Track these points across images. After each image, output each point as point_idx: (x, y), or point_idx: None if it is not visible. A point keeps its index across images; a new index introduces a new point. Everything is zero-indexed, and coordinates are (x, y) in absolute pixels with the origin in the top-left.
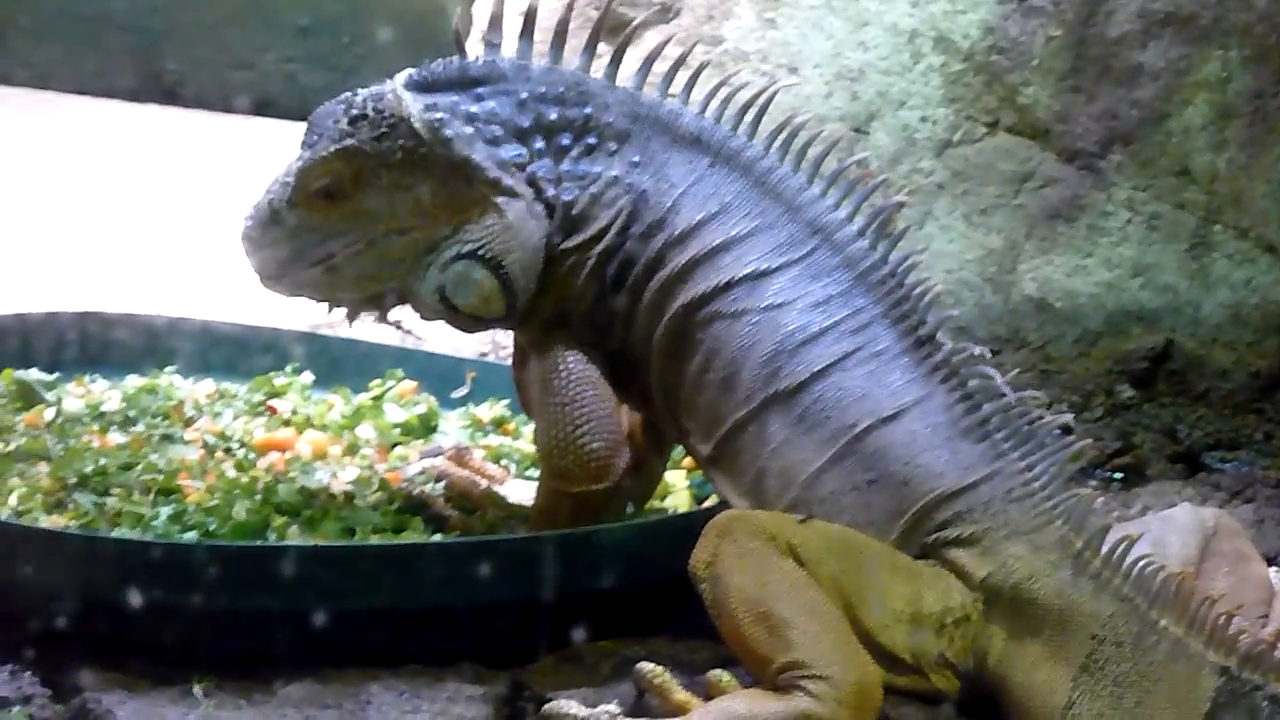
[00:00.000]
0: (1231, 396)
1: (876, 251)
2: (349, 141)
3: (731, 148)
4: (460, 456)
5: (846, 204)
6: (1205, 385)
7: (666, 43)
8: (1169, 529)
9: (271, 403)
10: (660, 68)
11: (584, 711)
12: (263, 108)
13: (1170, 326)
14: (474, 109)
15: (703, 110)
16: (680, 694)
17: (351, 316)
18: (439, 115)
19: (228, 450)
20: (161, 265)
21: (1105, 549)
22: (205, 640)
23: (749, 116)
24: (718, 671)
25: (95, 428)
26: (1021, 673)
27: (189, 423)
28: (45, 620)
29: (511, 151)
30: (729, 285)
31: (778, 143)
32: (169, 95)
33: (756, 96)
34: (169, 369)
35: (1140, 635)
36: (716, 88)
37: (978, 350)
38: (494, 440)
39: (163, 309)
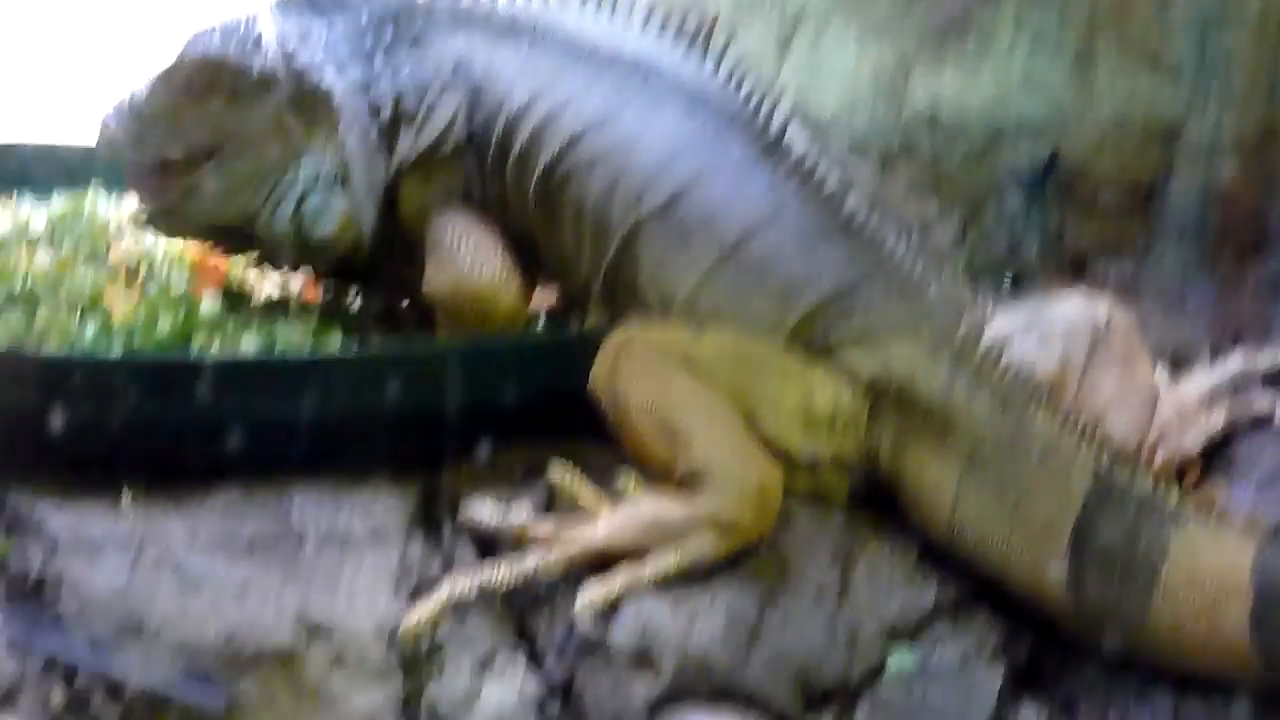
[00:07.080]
0: (1115, 204)
1: (705, 68)
2: (214, 53)
3: (545, 21)
4: None
5: (666, 33)
6: (1090, 194)
7: None
8: (1057, 322)
9: None
10: None
11: (497, 512)
12: None
13: (1056, 138)
14: (326, 33)
15: None
16: (590, 496)
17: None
18: (294, 38)
19: (151, 268)
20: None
21: (982, 348)
22: (133, 452)
23: None
24: (627, 476)
25: (22, 248)
26: (912, 471)
27: (113, 242)
28: None
29: (355, 73)
30: (574, 141)
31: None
32: None
33: None
34: (94, 191)
35: (1017, 435)
36: None
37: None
38: None
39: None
